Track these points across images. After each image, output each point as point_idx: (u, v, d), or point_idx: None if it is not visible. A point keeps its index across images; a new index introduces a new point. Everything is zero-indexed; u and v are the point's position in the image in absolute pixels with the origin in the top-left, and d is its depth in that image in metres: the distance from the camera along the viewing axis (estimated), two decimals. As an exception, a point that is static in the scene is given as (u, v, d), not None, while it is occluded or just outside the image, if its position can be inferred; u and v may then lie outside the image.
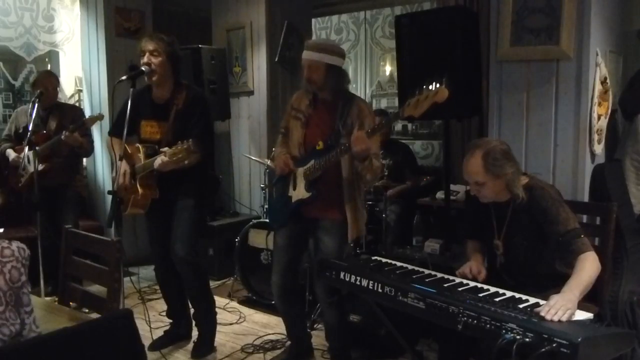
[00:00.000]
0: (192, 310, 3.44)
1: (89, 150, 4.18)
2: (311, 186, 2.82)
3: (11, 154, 4.14)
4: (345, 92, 2.87)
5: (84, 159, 4.87)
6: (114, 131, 3.18)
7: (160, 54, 3.02)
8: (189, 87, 3.20)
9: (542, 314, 1.89)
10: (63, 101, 4.78)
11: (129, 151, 3.09)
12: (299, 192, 2.88)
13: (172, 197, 3.14)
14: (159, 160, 2.90)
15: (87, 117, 3.95)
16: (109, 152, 3.17)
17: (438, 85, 2.37)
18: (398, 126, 6.14)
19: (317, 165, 2.76)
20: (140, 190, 3.04)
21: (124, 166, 3.02)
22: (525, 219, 2.36)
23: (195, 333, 3.43)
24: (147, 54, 3.02)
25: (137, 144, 3.11)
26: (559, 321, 1.86)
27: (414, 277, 2.38)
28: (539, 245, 2.35)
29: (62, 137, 3.76)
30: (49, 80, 4.05)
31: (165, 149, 2.88)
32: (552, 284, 2.17)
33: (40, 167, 3.79)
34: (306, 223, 2.92)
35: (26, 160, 3.98)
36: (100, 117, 3.97)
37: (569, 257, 2.24)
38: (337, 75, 2.81)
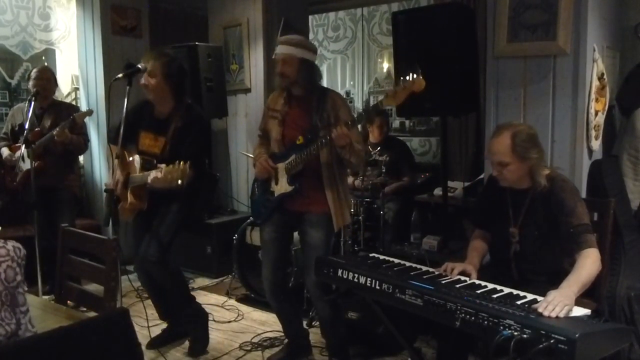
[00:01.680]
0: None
1: (82, 148, 4.16)
2: (293, 180, 2.85)
3: (4, 152, 4.13)
4: (318, 86, 2.91)
5: (81, 159, 4.87)
6: (115, 140, 3.10)
7: (156, 75, 3.02)
8: (191, 106, 3.20)
9: (540, 310, 1.89)
10: (60, 99, 4.76)
11: (127, 159, 3.08)
12: (281, 187, 2.90)
13: (158, 208, 3.13)
14: (152, 175, 2.83)
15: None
16: (108, 161, 3.16)
17: (415, 76, 2.46)
18: (396, 123, 6.15)
19: (299, 159, 2.79)
20: (129, 198, 3.02)
21: (118, 174, 3.01)
22: (542, 209, 2.37)
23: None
24: (145, 74, 3.03)
25: (136, 155, 3.10)
26: (557, 317, 1.86)
27: (412, 274, 2.38)
28: (552, 237, 2.36)
29: (54, 134, 3.76)
30: (44, 75, 4.04)
31: (162, 165, 2.82)
32: (558, 280, 2.15)
33: (34, 164, 3.78)
34: (291, 217, 2.95)
35: (21, 158, 3.96)
36: (89, 113, 3.94)
37: (575, 250, 2.25)
38: (310, 70, 2.85)
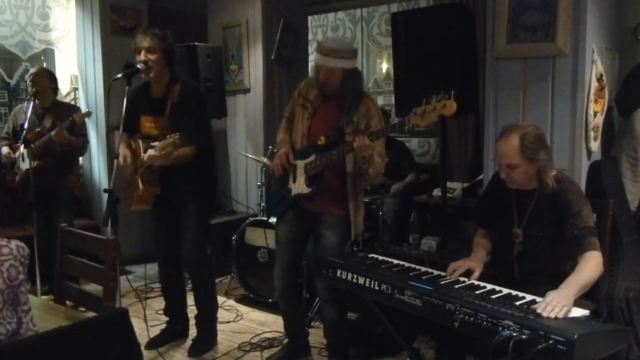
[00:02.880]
0: (189, 310, 3.47)
1: (82, 149, 4.17)
2: (312, 182, 2.82)
3: (4, 150, 4.13)
4: (357, 89, 2.82)
5: (80, 159, 4.86)
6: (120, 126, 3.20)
7: (156, 50, 3.00)
8: (184, 80, 3.18)
9: (539, 310, 1.90)
10: (60, 100, 4.76)
11: (133, 147, 3.11)
12: (298, 186, 2.87)
13: (176, 196, 3.14)
14: (148, 154, 2.90)
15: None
16: (117, 147, 3.14)
17: (447, 98, 2.37)
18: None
19: (319, 161, 2.76)
20: (141, 185, 3.04)
21: (122, 151, 3.01)
22: (547, 210, 2.36)
23: (191, 331, 3.44)
24: (142, 52, 3.00)
25: (139, 140, 3.12)
26: (556, 318, 1.87)
27: (411, 274, 2.38)
28: (556, 239, 2.35)
29: (53, 135, 3.76)
30: (41, 74, 4.05)
31: (156, 143, 2.88)
32: (560, 282, 2.15)
33: (34, 164, 3.78)
34: (307, 218, 2.91)
35: (21, 158, 3.97)
36: (88, 114, 3.93)
37: (577, 252, 2.24)
38: (354, 78, 2.79)
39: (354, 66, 2.79)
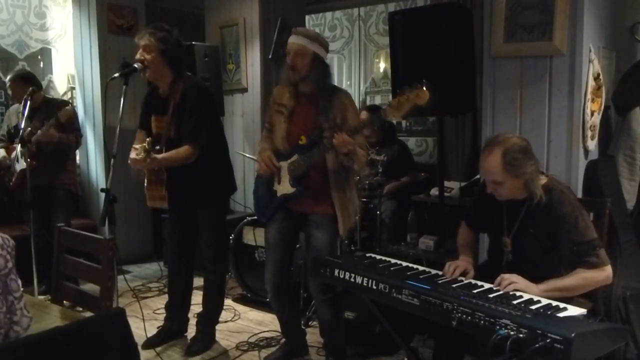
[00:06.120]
0: (192, 309, 3.50)
1: (73, 145, 4.14)
2: (296, 182, 2.81)
3: (0, 153, 4.13)
4: (327, 85, 2.83)
5: (77, 158, 4.85)
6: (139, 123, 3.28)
7: (152, 49, 2.98)
8: (188, 79, 3.13)
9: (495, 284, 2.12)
10: (52, 97, 4.76)
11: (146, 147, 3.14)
12: (283, 187, 2.87)
13: (192, 198, 3.17)
14: (130, 155, 2.93)
15: (75, 114, 3.92)
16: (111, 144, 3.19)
17: (418, 87, 2.41)
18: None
19: (302, 161, 2.76)
20: (146, 184, 3.09)
21: (132, 153, 3.03)
22: (540, 220, 2.30)
23: (190, 330, 3.45)
24: (140, 50, 3.00)
25: (148, 138, 3.12)
26: (553, 317, 1.87)
27: (408, 273, 2.38)
28: (549, 248, 2.31)
29: (40, 134, 3.75)
30: (12, 86, 4.07)
31: (137, 145, 2.90)
32: None
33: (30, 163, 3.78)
34: (296, 218, 2.92)
35: (16, 159, 3.96)
36: (70, 111, 3.88)
37: (579, 266, 2.22)
38: (321, 67, 2.79)
39: (324, 58, 2.81)
